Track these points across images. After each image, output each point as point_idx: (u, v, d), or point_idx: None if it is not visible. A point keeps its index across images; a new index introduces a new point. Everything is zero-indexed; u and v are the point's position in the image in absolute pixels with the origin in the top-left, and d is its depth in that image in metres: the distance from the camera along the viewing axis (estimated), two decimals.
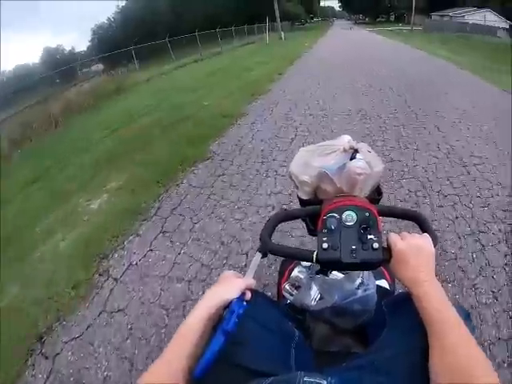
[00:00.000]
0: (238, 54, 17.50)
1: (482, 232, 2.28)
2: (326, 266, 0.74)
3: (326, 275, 0.91)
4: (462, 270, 1.98)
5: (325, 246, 0.69)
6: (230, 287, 0.68)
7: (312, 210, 0.80)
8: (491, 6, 34.87)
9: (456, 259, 2.07)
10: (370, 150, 0.90)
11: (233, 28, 24.75)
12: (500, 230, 2.28)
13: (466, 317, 0.68)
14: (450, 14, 37.44)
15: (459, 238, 2.23)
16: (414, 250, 0.68)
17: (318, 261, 0.70)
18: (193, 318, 0.63)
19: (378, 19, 67.60)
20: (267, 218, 0.82)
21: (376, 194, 0.91)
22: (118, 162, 4.13)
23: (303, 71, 9.19)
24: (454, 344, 0.56)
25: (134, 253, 2.40)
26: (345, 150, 0.85)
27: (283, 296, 1.08)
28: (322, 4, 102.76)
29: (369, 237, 0.69)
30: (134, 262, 2.31)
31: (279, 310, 0.87)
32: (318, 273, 0.95)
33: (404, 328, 0.68)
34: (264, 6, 31.71)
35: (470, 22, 28.93)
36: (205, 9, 35.30)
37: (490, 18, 31.59)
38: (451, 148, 3.61)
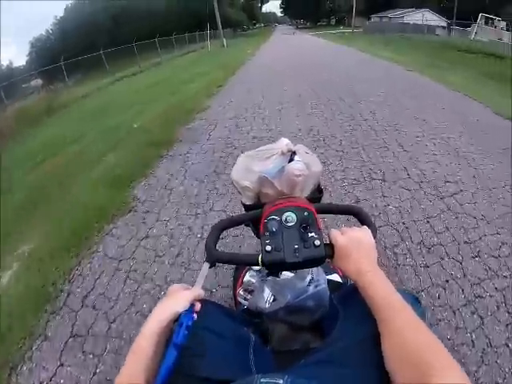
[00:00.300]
0: (179, 63, 16.73)
1: (478, 297, 1.86)
2: (271, 268, 0.75)
3: (277, 276, 0.93)
4: (462, 362, 1.54)
5: (268, 248, 0.71)
6: (178, 300, 0.67)
7: (253, 214, 0.82)
8: (429, 5, 36.72)
9: (454, 347, 1.61)
10: (308, 151, 0.93)
11: (173, 37, 23.93)
12: (496, 289, 1.90)
13: (414, 301, 0.72)
14: (390, 15, 38.65)
15: (454, 312, 1.78)
16: (354, 243, 0.71)
17: (263, 263, 0.71)
18: (143, 335, 0.63)
19: (319, 23, 69.55)
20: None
21: (317, 193, 0.95)
22: (35, 212, 3.27)
23: (246, 82, 8.48)
24: (401, 328, 0.58)
25: (44, 367, 1.71)
26: (283, 153, 0.87)
27: (240, 302, 1.09)
28: (263, 10, 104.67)
29: (310, 235, 0.72)
30: None
31: (233, 317, 0.88)
32: (268, 275, 0.96)
33: (355, 318, 0.71)
34: (205, 14, 31.49)
35: (410, 22, 29.99)
36: (146, 17, 34.30)
37: (428, 17, 32.74)
38: (422, 174, 3.10)
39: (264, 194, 0.89)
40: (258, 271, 1.03)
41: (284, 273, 0.94)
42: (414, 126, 4.37)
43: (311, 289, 0.90)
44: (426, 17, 31.90)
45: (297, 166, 0.84)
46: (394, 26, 30.06)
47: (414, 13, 35.62)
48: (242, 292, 1.07)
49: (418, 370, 0.52)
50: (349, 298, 0.77)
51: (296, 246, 0.71)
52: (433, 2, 38.06)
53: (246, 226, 0.85)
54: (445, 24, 31.26)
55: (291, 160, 0.87)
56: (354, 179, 3.11)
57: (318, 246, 0.71)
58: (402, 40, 20.38)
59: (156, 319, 0.64)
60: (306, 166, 0.85)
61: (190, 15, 36.92)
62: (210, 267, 0.76)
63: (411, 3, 38.67)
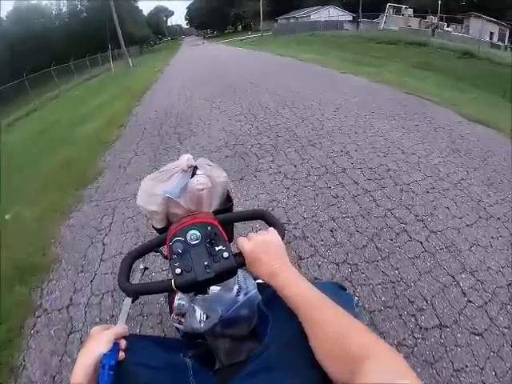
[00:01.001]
0: (79, 94, 13.86)
1: None
2: (186, 290, 0.73)
3: (206, 293, 0.91)
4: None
5: (178, 271, 0.69)
6: (99, 341, 0.63)
7: (158, 239, 0.80)
8: (333, 2, 38.36)
9: None
10: (210, 163, 0.93)
11: (71, 63, 21.16)
12: None
13: (338, 290, 0.73)
14: (296, 15, 39.57)
15: None
16: (262, 247, 0.71)
17: (177, 287, 0.69)
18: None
19: (226, 31, 69.31)
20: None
21: (227, 203, 0.95)
22: None
23: (152, 113, 6.16)
24: (321, 322, 0.59)
25: None
26: (184, 170, 0.86)
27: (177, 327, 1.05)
28: (169, 23, 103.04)
29: (217, 248, 0.72)
30: None
31: (166, 346, 0.84)
32: (196, 294, 0.94)
33: (282, 320, 0.71)
34: (106, 33, 29.14)
35: (317, 20, 30.79)
36: (44, 45, 31.06)
37: (334, 13, 34.23)
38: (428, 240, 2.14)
39: (173, 214, 0.87)
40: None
41: (212, 288, 0.93)
42: (381, 141, 3.70)
43: (241, 298, 0.90)
44: (331, 13, 33.22)
45: (199, 180, 0.83)
46: (304, 25, 30.66)
47: (320, 10, 36.90)
48: (175, 317, 1.03)
49: (345, 360, 0.52)
50: (272, 300, 0.77)
51: (206, 263, 0.70)
52: (334, 0, 39.64)
53: (156, 252, 0.82)
54: (350, 18, 33.06)
55: (194, 175, 0.86)
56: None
57: (227, 257, 0.71)
58: (315, 38, 20.81)
59: (81, 367, 0.60)
60: (208, 178, 0.85)
61: (90, 37, 34.19)
62: (132, 301, 0.72)
63: (315, 1, 39.86)
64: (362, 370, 0.48)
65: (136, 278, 0.82)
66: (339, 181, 2.88)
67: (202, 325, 0.93)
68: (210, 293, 0.93)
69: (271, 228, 0.77)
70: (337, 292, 0.71)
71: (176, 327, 1.05)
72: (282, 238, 0.75)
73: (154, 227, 0.92)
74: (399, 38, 16.52)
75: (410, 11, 28.94)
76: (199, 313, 0.93)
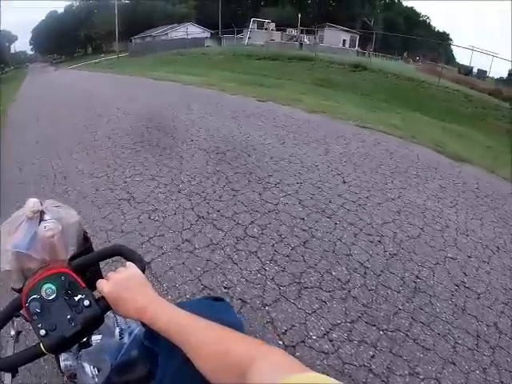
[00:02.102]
0: None
1: None
2: (57, 350, 0.66)
3: (89, 345, 0.82)
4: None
5: (42, 332, 0.62)
6: None
7: (13, 304, 0.69)
8: (188, 19, 38.88)
9: None
10: (58, 203, 0.84)
11: None
12: None
13: (211, 303, 0.73)
14: (153, 33, 38.06)
15: None
16: (122, 285, 0.67)
17: (47, 350, 0.62)
18: None
19: (75, 54, 63.04)
20: None
21: (84, 244, 0.87)
22: None
23: None
24: (197, 342, 0.57)
25: None
26: (29, 218, 0.76)
27: None
28: (12, 51, 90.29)
29: (76, 298, 0.65)
30: None
31: None
32: (79, 349, 0.85)
33: (167, 350, 0.68)
34: None
35: (180, 37, 29.94)
36: None
37: (193, 30, 33.72)
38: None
39: (28, 269, 0.76)
40: (69, 351, 0.90)
41: (93, 338, 0.84)
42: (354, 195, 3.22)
43: (126, 339, 0.84)
44: (189, 30, 32.50)
45: (47, 226, 0.74)
46: (164, 44, 29.60)
47: (178, 28, 36.41)
48: (67, 379, 0.91)
49: (232, 373, 0.51)
50: (152, 332, 0.72)
51: (69, 317, 0.63)
52: (189, 18, 40.37)
53: (17, 317, 0.71)
54: (209, 35, 33.71)
55: (41, 221, 0.76)
56: None
57: (89, 305, 0.65)
58: (182, 58, 19.49)
59: None
60: (58, 221, 0.76)
61: None
62: (13, 376, 0.63)
63: (170, 20, 39.68)
64: (248, 376, 0.47)
65: (10, 349, 0.72)
66: None
67: (96, 380, 0.84)
68: (94, 343, 0.84)
69: (129, 263, 0.73)
70: (213, 305, 0.71)
71: None
72: (143, 271, 0.71)
73: (13, 289, 0.79)
74: (278, 52, 16.36)
75: (273, 25, 29.92)
76: (89, 368, 0.84)
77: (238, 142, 4.51)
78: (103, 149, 4.54)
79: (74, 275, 0.68)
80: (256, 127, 5.24)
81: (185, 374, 0.61)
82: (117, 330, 0.83)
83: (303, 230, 2.57)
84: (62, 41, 54.57)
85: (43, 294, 0.65)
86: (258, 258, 2.28)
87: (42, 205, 0.80)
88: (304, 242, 2.46)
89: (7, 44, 72.94)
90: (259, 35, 26.16)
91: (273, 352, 0.51)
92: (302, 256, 2.31)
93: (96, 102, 7.86)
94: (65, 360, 0.87)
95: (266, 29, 28.94)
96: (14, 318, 0.72)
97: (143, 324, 0.89)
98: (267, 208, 2.86)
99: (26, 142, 5.34)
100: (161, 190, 3.23)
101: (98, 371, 0.84)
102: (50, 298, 0.65)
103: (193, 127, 5.21)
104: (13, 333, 0.75)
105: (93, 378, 0.84)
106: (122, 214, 2.83)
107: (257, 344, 0.54)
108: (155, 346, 0.74)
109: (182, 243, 2.42)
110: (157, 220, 2.72)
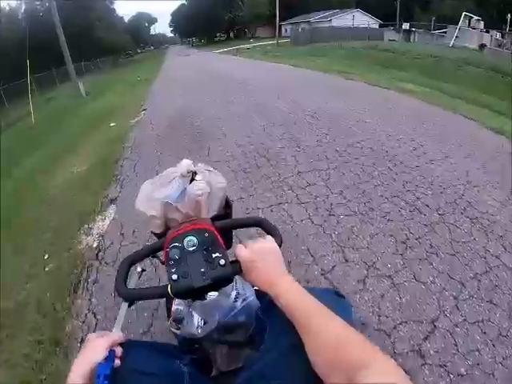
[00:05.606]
0: None
1: None
2: (182, 296, 0.74)
3: (204, 299, 0.91)
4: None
5: (174, 277, 0.69)
6: (95, 349, 0.63)
7: (156, 245, 0.80)
8: (353, 5, 31.59)
9: None
10: (210, 168, 0.93)
11: None
12: None
13: (336, 297, 0.74)
14: (311, 19, 32.35)
15: None
16: (259, 255, 0.71)
17: (173, 293, 0.69)
18: None
19: (216, 39, 61.02)
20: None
21: (225, 209, 0.95)
22: None
23: None
24: (318, 331, 0.59)
25: None
26: (183, 176, 0.86)
27: (174, 333, 1.05)
28: (152, 32, 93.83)
29: (214, 255, 0.71)
30: None
31: (164, 352, 0.84)
32: (194, 300, 0.94)
33: (279, 328, 0.71)
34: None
35: (340, 26, 25.18)
36: None
37: (360, 18, 28.04)
38: None
39: (171, 219, 0.87)
40: None
41: (210, 294, 0.93)
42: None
43: (239, 304, 0.89)
44: (356, 18, 27.35)
45: (198, 185, 0.83)
46: (330, 32, 23.34)
47: (341, 15, 30.51)
48: (173, 322, 1.03)
49: (342, 370, 0.52)
50: (270, 307, 0.76)
51: (202, 270, 0.69)
52: (348, 4, 32.85)
53: (153, 257, 0.82)
54: (377, 25, 27.25)
55: (192, 181, 0.86)
56: None
57: (224, 265, 0.70)
58: (369, 52, 14.73)
59: (76, 375, 0.59)
60: (207, 184, 0.85)
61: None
62: (128, 306, 0.72)
63: (333, 4, 32.75)
64: (358, 379, 0.49)
65: (133, 282, 0.81)
66: None
67: (199, 330, 0.92)
68: (208, 298, 0.93)
69: (269, 236, 0.77)
70: (334, 300, 0.72)
71: (173, 333, 1.05)
72: (280, 247, 0.75)
73: (152, 232, 0.92)
74: (497, 63, 10.11)
75: (481, 24, 19.45)
76: (197, 318, 0.93)
77: None
78: None
79: (217, 234, 0.75)
80: None
81: (292, 356, 0.64)
82: (233, 293, 0.90)
83: None
84: (204, 24, 50.71)
85: (185, 244, 0.73)
86: None
87: (194, 166, 0.90)
88: None
89: (146, 24, 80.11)
90: (470, 36, 18.25)
91: (386, 361, 0.52)
92: None
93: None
94: (178, 305, 0.98)
95: (473, 28, 19.12)
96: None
97: (258, 296, 0.96)
98: None
99: None
100: None
101: (204, 324, 0.92)
102: (190, 249, 0.72)
103: None
104: (139, 270, 0.85)
105: (197, 328, 0.93)
106: None
107: (374, 349, 0.54)
108: (267, 320, 0.78)
109: None
110: None
